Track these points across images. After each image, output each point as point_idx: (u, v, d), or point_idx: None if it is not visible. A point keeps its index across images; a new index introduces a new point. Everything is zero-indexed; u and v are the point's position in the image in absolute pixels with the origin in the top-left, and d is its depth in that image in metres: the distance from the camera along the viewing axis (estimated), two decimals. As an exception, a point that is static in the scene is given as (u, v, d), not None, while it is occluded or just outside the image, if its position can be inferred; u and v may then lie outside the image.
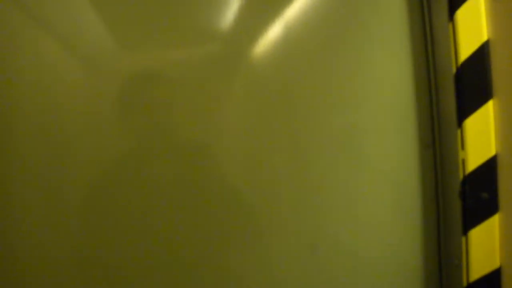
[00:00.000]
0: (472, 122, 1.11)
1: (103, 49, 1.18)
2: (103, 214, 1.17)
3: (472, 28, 1.11)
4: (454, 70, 1.14)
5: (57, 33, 1.18)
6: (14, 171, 1.16)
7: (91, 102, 1.17)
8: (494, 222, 1.10)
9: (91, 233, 1.18)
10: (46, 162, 1.17)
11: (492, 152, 1.10)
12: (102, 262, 1.17)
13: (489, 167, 1.10)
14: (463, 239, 1.13)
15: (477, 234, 1.10)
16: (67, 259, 1.17)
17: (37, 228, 1.16)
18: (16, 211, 1.15)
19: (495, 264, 1.10)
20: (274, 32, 1.22)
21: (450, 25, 1.14)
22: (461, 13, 1.11)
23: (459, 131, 1.13)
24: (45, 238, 1.16)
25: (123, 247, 1.17)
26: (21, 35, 1.17)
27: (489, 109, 1.10)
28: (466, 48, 1.11)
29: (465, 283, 1.12)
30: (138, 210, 1.18)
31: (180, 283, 1.18)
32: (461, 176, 1.13)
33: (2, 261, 1.15)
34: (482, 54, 1.10)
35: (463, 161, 1.12)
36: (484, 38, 1.10)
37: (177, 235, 1.18)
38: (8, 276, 1.15)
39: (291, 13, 1.22)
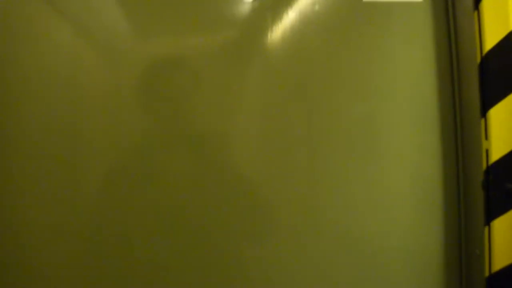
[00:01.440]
0: (497, 112, 1.10)
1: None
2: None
3: (498, 17, 1.10)
4: (478, 59, 1.13)
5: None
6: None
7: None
8: (518, 213, 1.10)
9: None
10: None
11: (517, 142, 1.09)
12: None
13: (514, 157, 1.10)
14: (486, 229, 1.12)
15: (500, 224, 1.10)
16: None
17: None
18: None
19: (518, 255, 1.09)
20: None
21: (476, 14, 1.13)
22: (487, 2, 1.10)
23: (482, 121, 1.12)
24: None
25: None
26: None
27: (514, 98, 1.10)
28: (492, 38, 1.10)
29: (487, 274, 1.11)
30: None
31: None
32: (484, 166, 1.12)
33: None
34: (508, 43, 1.09)
35: (487, 151, 1.11)
36: (511, 27, 1.09)
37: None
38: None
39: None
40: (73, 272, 1.17)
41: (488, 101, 1.11)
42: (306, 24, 1.21)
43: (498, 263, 1.10)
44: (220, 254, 1.19)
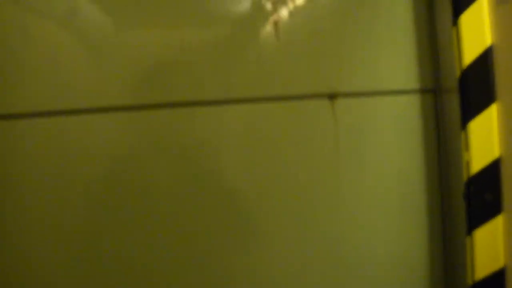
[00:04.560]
0: (476, 125, 1.13)
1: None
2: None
3: (475, 33, 1.13)
4: (458, 73, 1.16)
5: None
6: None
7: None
8: (498, 223, 1.12)
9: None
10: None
11: (496, 154, 1.12)
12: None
13: (493, 168, 1.13)
14: (468, 239, 1.15)
15: (481, 234, 1.13)
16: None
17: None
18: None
19: (499, 263, 1.12)
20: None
21: (454, 30, 1.16)
22: (465, 18, 1.14)
23: (463, 134, 1.16)
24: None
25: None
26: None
27: (492, 112, 1.13)
28: (470, 53, 1.14)
29: (470, 282, 1.14)
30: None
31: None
32: (465, 178, 1.16)
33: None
34: (485, 58, 1.13)
35: (468, 163, 1.15)
36: (488, 42, 1.13)
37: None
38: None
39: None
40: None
41: (468, 114, 1.14)
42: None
43: (481, 272, 1.13)
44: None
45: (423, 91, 1.28)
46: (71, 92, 1.16)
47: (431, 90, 1.28)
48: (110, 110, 1.18)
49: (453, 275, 1.24)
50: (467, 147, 1.14)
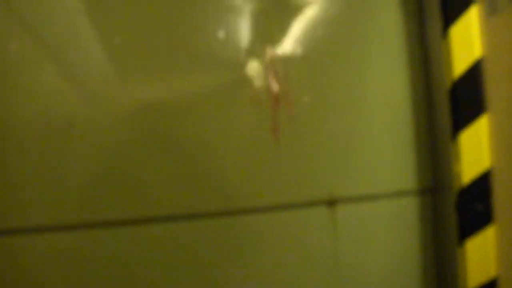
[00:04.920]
0: (467, 136, 1.14)
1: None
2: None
3: (465, 45, 1.15)
4: (448, 85, 1.17)
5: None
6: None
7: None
8: (489, 233, 1.13)
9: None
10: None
11: (486, 165, 1.14)
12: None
13: (484, 179, 1.14)
14: (459, 249, 1.16)
15: (472, 244, 1.14)
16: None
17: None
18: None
19: (490, 273, 1.13)
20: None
21: (444, 42, 1.18)
22: (454, 30, 1.15)
23: (454, 145, 1.17)
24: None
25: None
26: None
27: (482, 123, 1.14)
28: (460, 64, 1.15)
29: (462, 292, 1.15)
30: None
31: None
32: (456, 188, 1.17)
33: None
34: (475, 70, 1.14)
35: (458, 174, 1.16)
36: (477, 54, 1.14)
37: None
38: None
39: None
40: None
41: (458, 125, 1.15)
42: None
43: (472, 282, 1.14)
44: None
45: (415, 102, 1.29)
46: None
47: (422, 102, 1.29)
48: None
49: (445, 285, 1.24)
50: (457, 158, 1.16)
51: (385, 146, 1.29)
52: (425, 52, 1.28)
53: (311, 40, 1.26)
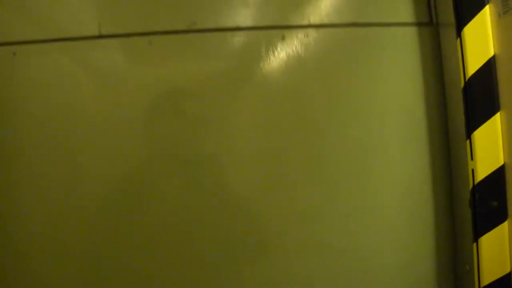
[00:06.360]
0: (481, 134, 1.16)
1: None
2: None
3: (479, 44, 1.16)
4: (462, 84, 1.19)
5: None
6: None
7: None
8: (503, 229, 1.15)
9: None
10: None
11: (500, 162, 1.15)
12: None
13: (498, 176, 1.15)
14: (474, 246, 1.17)
15: (487, 240, 1.15)
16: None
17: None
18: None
19: (505, 269, 1.14)
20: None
21: (458, 41, 1.19)
22: (468, 30, 1.17)
23: (468, 143, 1.18)
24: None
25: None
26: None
27: (496, 121, 1.15)
28: (474, 63, 1.16)
29: (477, 288, 1.17)
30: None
31: None
32: (470, 186, 1.18)
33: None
34: (489, 68, 1.16)
35: (473, 171, 1.17)
36: (491, 53, 1.15)
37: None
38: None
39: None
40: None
41: (473, 123, 1.17)
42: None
43: (487, 278, 1.15)
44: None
45: (429, 102, 1.31)
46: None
47: (436, 101, 1.31)
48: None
49: (461, 281, 1.26)
50: (472, 155, 1.17)
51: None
52: (438, 52, 1.29)
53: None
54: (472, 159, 1.17)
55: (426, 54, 1.30)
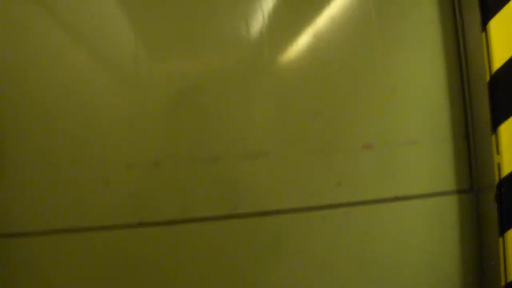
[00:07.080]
0: (507, 128, 1.15)
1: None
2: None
3: (505, 38, 1.16)
4: (488, 78, 1.18)
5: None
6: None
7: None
8: (530, 224, 1.14)
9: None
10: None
11: (527, 156, 1.14)
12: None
13: (524, 170, 1.14)
14: (500, 240, 1.16)
15: (514, 235, 1.14)
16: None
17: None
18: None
19: (532, 265, 1.13)
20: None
21: (483, 35, 1.19)
22: (494, 24, 1.16)
23: (493, 137, 1.17)
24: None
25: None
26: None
27: (523, 115, 1.15)
28: (500, 57, 1.16)
29: (503, 283, 1.15)
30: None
31: None
32: (496, 180, 1.17)
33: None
34: (515, 62, 1.15)
35: (499, 165, 1.16)
36: (517, 47, 1.15)
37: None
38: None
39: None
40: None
41: (498, 117, 1.16)
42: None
43: (514, 273, 1.14)
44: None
45: (454, 96, 1.31)
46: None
47: (461, 96, 1.31)
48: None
49: (486, 276, 1.25)
50: (498, 149, 1.16)
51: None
52: (463, 47, 1.29)
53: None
54: (498, 153, 1.17)
55: (450, 48, 1.30)
